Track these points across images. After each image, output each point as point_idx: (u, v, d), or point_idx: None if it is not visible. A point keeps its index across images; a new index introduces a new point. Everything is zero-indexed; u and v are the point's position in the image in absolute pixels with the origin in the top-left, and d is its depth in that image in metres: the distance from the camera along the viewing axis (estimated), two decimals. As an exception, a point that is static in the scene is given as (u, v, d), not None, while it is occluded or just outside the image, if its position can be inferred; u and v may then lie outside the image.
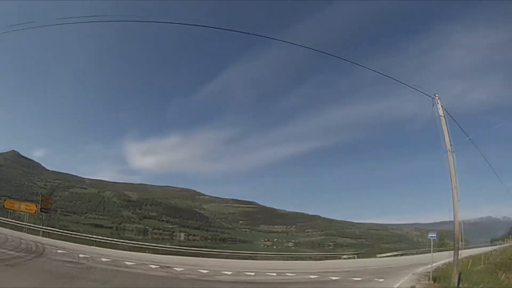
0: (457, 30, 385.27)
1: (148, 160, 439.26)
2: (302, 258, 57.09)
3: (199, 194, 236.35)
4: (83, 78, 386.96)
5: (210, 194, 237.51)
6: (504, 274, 20.50)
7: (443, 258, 34.85)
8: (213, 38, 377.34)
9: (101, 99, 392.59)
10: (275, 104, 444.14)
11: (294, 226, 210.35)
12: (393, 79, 22.92)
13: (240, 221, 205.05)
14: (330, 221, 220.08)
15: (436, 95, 22.87)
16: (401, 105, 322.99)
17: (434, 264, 29.45)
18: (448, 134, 22.11)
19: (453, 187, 21.08)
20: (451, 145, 21.93)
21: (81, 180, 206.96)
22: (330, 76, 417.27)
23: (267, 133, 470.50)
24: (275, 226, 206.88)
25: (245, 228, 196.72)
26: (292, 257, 59.05)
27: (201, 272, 23.45)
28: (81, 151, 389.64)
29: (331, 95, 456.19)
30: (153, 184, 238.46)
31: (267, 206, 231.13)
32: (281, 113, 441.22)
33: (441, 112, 22.48)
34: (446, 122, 22.35)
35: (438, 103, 22.59)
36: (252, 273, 25.57)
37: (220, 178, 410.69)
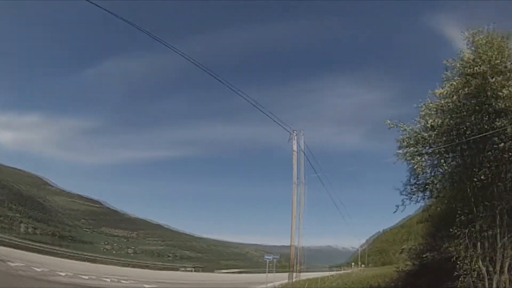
0: (339, 83, 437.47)
1: (2, 135, 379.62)
2: (140, 266, 56.15)
3: (48, 183, 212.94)
4: None
5: (58, 186, 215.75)
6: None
7: (282, 279, 36.18)
8: (99, 22, 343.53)
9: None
10: (147, 107, 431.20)
11: (136, 232, 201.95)
12: (264, 110, 24.20)
13: (83, 220, 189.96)
14: (173, 232, 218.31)
15: (297, 131, 25.31)
16: (270, 134, 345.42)
17: (270, 284, 31.88)
18: (303, 167, 24.61)
19: (299, 215, 23.67)
20: (304, 177, 24.54)
21: None
22: (212, 92, 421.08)
23: (129, 133, 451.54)
24: (117, 230, 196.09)
25: (86, 228, 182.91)
26: (130, 264, 57.69)
27: (37, 271, 22.11)
28: None
29: (208, 110, 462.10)
30: (2, 163, 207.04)
31: (112, 207, 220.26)
32: (151, 117, 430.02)
33: (301, 147, 24.85)
34: (304, 157, 24.92)
35: (296, 139, 25.02)
36: (87, 277, 24.75)
37: (72, 170, 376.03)
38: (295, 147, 25.14)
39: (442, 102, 16.61)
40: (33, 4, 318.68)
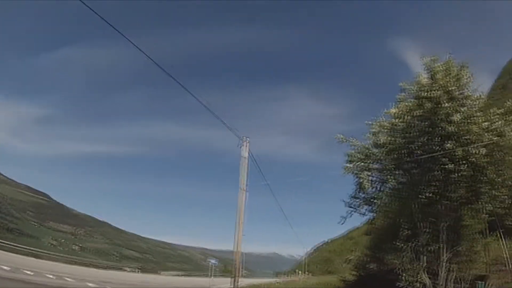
0: (294, 94, 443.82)
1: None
2: (86, 264, 53.00)
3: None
4: None
5: (5, 174, 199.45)
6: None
7: (225, 283, 35.20)
8: (62, 6, 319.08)
9: None
10: (103, 100, 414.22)
11: (83, 229, 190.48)
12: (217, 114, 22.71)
13: (29, 212, 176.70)
14: (119, 230, 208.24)
15: (248, 138, 24.37)
16: (220, 138, 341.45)
17: (214, 288, 30.66)
18: (245, 174, 23.61)
19: (240, 221, 22.63)
20: (246, 185, 23.50)
21: None
22: (168, 91, 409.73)
23: (83, 126, 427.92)
24: (64, 226, 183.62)
25: (33, 221, 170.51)
26: (76, 261, 54.25)
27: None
28: None
29: (162, 109, 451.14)
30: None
31: (60, 202, 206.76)
32: (106, 111, 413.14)
33: (246, 154, 23.82)
34: (248, 164, 23.94)
35: (245, 146, 24.07)
36: (31, 273, 22.46)
37: (20, 159, 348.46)
38: (245, 154, 23.98)
39: (395, 121, 16.56)
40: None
